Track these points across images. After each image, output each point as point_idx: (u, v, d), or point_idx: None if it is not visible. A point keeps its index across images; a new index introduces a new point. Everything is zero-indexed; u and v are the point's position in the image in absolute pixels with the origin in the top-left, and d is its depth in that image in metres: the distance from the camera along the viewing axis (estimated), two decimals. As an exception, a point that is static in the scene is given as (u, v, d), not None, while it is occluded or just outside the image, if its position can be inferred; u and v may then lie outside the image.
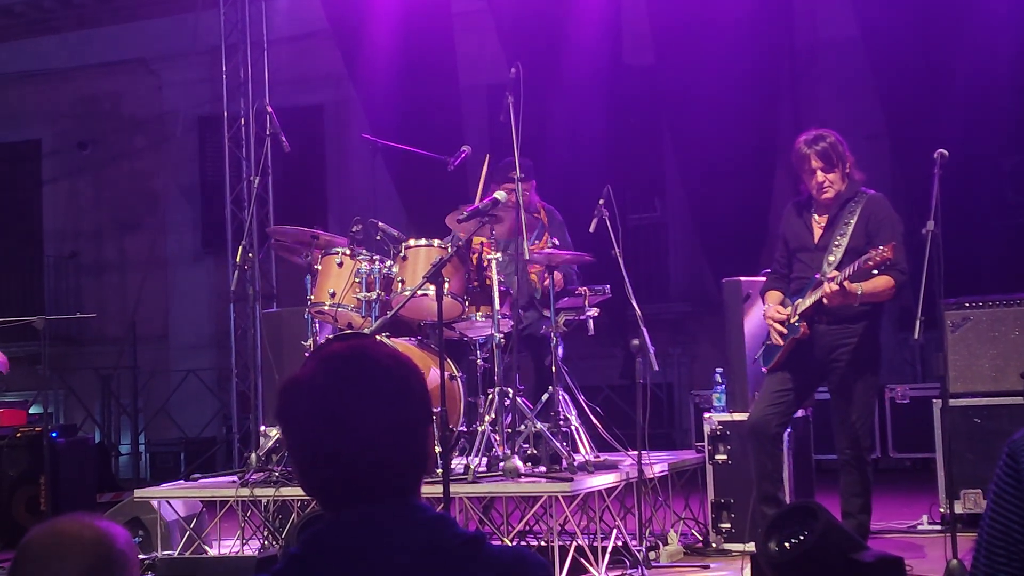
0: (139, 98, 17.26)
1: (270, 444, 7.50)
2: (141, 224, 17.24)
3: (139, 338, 15.83)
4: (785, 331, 6.44)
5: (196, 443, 14.84)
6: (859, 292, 6.14)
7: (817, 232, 6.47)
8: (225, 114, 12.90)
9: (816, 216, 6.51)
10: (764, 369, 6.67)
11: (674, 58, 12.85)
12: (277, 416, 2.10)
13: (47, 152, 17.93)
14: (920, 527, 7.75)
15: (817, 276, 6.27)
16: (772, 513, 5.59)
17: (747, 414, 7.28)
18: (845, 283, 6.06)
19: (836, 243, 6.27)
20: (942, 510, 7.68)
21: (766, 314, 6.59)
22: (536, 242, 7.35)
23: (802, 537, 4.15)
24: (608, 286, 7.53)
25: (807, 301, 6.34)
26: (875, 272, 6.07)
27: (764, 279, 7.61)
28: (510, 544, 6.34)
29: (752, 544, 7.07)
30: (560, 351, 7.28)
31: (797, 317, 6.40)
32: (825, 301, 6.18)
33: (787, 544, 4.22)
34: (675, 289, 15.09)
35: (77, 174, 17.69)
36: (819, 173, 6.36)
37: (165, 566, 6.24)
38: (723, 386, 7.68)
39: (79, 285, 17.36)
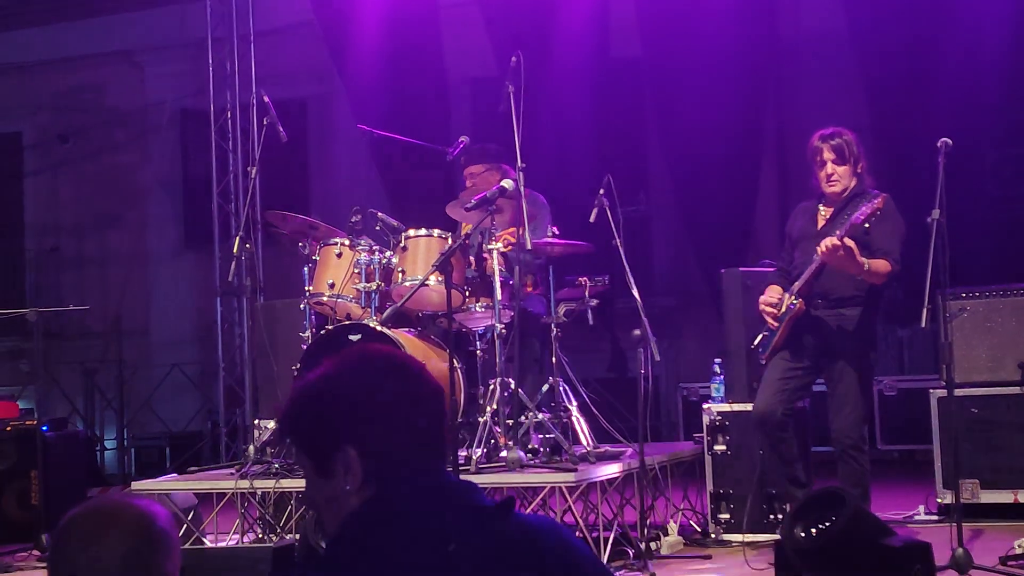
0: (121, 91, 17.13)
1: (266, 436, 7.47)
2: (123, 218, 17.12)
3: (122, 332, 15.73)
4: (777, 315, 6.46)
5: (181, 437, 14.74)
6: (866, 265, 6.16)
7: (821, 223, 6.54)
8: (212, 107, 12.82)
9: (823, 208, 6.57)
10: (762, 359, 6.67)
11: (660, 50, 12.85)
12: (386, 393, 2.25)
13: (28, 145, 17.78)
14: (917, 517, 7.77)
15: (824, 243, 6.23)
16: (801, 494, 5.61)
17: (747, 405, 7.34)
18: (847, 241, 6.05)
19: (835, 232, 6.29)
20: (939, 500, 7.71)
21: (760, 300, 6.63)
22: (504, 230, 7.32)
23: (829, 523, 4.14)
24: (607, 276, 7.51)
25: (802, 280, 6.37)
26: (867, 225, 6.12)
27: (761, 269, 7.66)
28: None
29: (751, 535, 7.15)
30: (539, 343, 7.28)
31: (793, 297, 6.41)
32: (828, 256, 6.14)
33: (814, 530, 4.21)
34: (659, 282, 15.08)
35: (58, 167, 17.55)
36: (829, 164, 6.46)
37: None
38: (722, 376, 7.69)
39: (60, 279, 17.23)
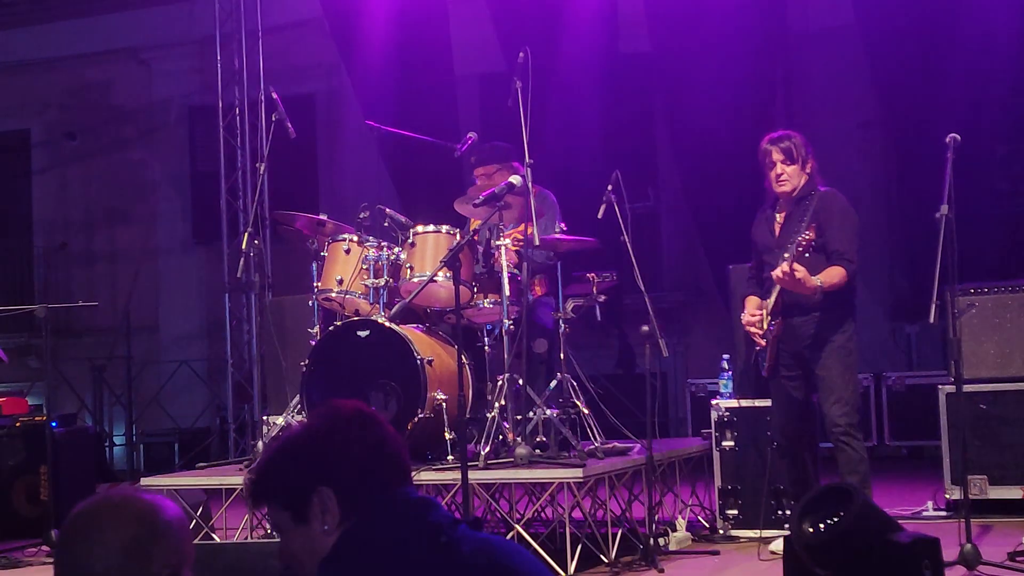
0: (129, 88, 17.16)
1: (275, 432, 7.46)
2: (131, 214, 17.16)
3: (130, 328, 15.76)
4: (761, 334, 6.55)
5: (189, 433, 14.77)
6: (819, 283, 6.22)
7: (777, 231, 6.61)
8: (220, 103, 12.85)
9: (777, 214, 6.66)
10: (763, 373, 6.73)
11: (669, 46, 12.85)
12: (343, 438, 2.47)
13: (36, 142, 17.83)
14: (925, 513, 7.76)
15: (775, 273, 6.33)
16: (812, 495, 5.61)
17: (755, 401, 7.37)
18: (796, 269, 6.12)
19: (791, 240, 6.35)
20: (947, 496, 7.71)
21: (742, 320, 6.71)
22: (513, 228, 7.32)
23: (837, 518, 4.14)
24: (615, 272, 7.50)
25: (771, 299, 6.47)
26: (809, 235, 6.15)
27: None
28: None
29: (761, 531, 7.15)
30: (546, 343, 7.28)
31: (769, 317, 6.51)
32: (777, 279, 6.24)
33: (822, 525, 4.21)
34: (668, 278, 15.09)
35: (67, 164, 17.59)
36: (778, 165, 6.54)
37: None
38: (730, 372, 7.69)
39: (69, 275, 17.27)
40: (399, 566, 2.36)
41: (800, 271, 6.15)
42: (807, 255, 6.19)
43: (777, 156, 6.55)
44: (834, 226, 6.38)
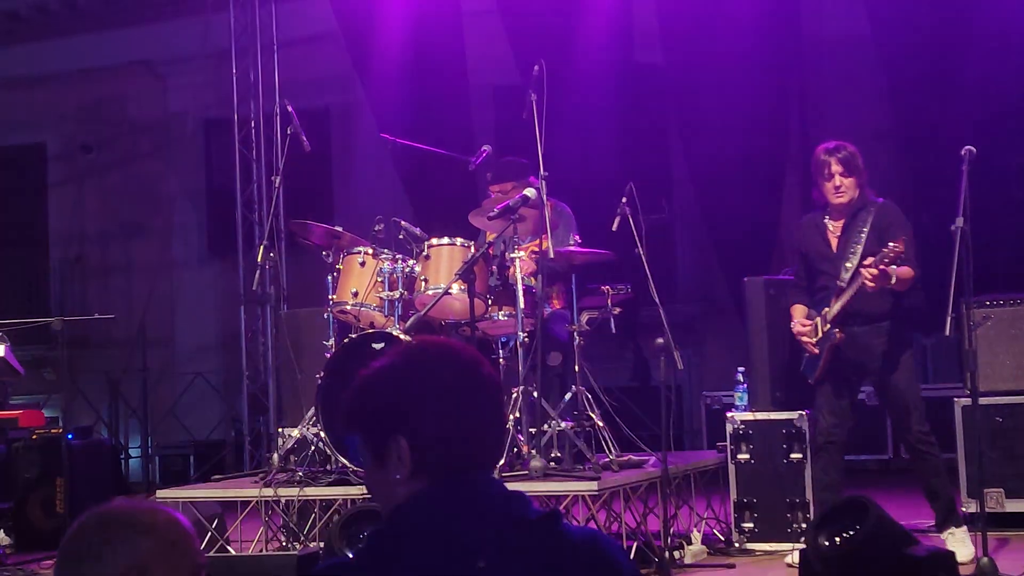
0: (145, 101, 17.21)
1: (290, 444, 7.48)
2: (147, 227, 17.19)
3: (146, 341, 15.79)
4: (814, 343, 6.65)
5: (205, 446, 14.78)
6: (893, 277, 6.38)
7: (833, 241, 6.76)
8: (235, 117, 12.88)
9: (830, 223, 6.78)
10: (810, 380, 6.79)
11: (683, 57, 12.84)
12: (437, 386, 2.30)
13: (52, 155, 17.87)
14: (942, 525, 7.71)
15: (838, 283, 6.54)
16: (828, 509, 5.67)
17: (771, 414, 7.36)
18: (882, 266, 6.28)
19: (852, 251, 6.56)
20: (964, 509, 7.67)
21: (793, 330, 6.82)
22: (529, 241, 7.33)
23: (853, 532, 4.13)
24: (629, 285, 7.51)
25: (834, 308, 6.60)
26: (889, 251, 6.31)
27: (784, 278, 7.67)
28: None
29: (775, 543, 7.14)
30: (560, 356, 7.28)
31: (828, 325, 6.61)
32: (870, 286, 6.36)
33: (837, 539, 4.20)
34: (683, 290, 15.06)
35: (82, 177, 17.63)
36: (837, 177, 6.68)
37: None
38: (745, 385, 7.68)
39: (85, 288, 17.31)
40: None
41: (887, 268, 6.30)
42: (893, 267, 6.33)
43: (836, 168, 6.68)
44: (899, 235, 6.47)
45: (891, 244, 6.28)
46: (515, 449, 6.77)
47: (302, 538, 7.22)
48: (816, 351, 6.70)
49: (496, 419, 2.37)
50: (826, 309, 6.65)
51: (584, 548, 2.24)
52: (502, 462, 6.65)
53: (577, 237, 7.40)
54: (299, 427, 7.38)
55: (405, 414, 2.29)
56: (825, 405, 6.83)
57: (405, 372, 2.33)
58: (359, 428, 2.36)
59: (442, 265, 7.04)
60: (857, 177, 6.70)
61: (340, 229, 7.52)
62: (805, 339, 6.73)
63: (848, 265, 6.51)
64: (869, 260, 6.41)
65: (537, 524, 2.23)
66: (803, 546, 5.43)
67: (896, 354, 6.62)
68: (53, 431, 9.30)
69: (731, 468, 7.46)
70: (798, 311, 6.87)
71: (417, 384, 2.30)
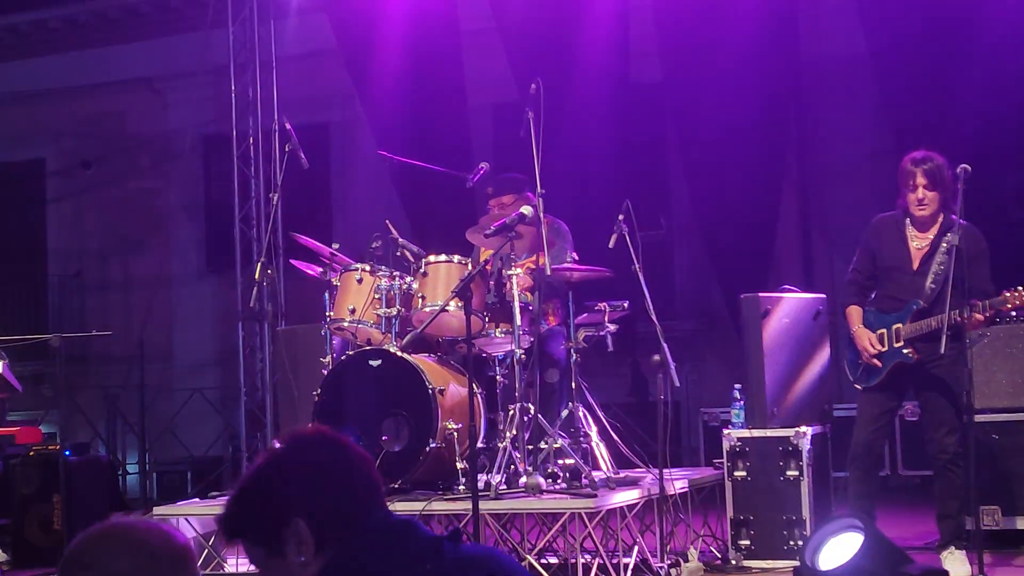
0: (143, 117, 17.25)
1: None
2: (145, 243, 17.22)
3: (144, 357, 15.80)
4: (880, 363, 6.69)
5: (202, 462, 14.78)
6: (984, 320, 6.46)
7: (915, 254, 6.70)
8: (234, 132, 12.91)
9: (912, 231, 6.73)
10: (859, 386, 6.80)
11: (681, 76, 12.87)
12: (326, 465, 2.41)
13: (51, 171, 17.91)
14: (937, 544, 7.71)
15: (921, 303, 6.53)
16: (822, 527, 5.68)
17: (767, 431, 7.35)
18: (990, 311, 6.36)
19: (937, 272, 6.54)
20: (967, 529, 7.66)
21: (861, 346, 6.78)
22: (526, 258, 7.35)
23: (848, 550, 4.14)
24: (627, 302, 7.52)
25: (911, 328, 6.61)
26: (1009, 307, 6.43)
27: (781, 295, 7.67)
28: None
29: (770, 561, 7.14)
30: (557, 373, 7.30)
31: (903, 343, 6.64)
32: (971, 329, 6.43)
33: (833, 557, 4.20)
34: (680, 307, 15.08)
35: (81, 193, 17.67)
36: (921, 189, 6.62)
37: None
38: (742, 402, 7.68)
39: (83, 304, 17.33)
40: None
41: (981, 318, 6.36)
42: (994, 321, 6.57)
43: (921, 180, 6.64)
44: (982, 264, 6.56)
45: (1017, 290, 6.30)
46: (512, 467, 6.78)
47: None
48: (879, 364, 6.69)
49: (366, 462, 2.45)
50: (899, 325, 6.63)
51: (488, 562, 2.38)
52: (499, 479, 6.66)
53: (574, 254, 7.41)
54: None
55: (296, 498, 2.34)
56: (869, 414, 6.84)
57: (282, 461, 2.41)
58: (246, 532, 2.41)
59: (439, 282, 7.05)
60: (942, 192, 6.61)
61: (337, 247, 7.52)
62: (874, 361, 6.72)
63: (932, 286, 6.46)
64: (982, 303, 6.35)
65: (447, 538, 2.37)
66: (797, 563, 5.45)
67: (953, 374, 6.59)
68: (51, 447, 9.31)
69: (728, 485, 7.46)
70: (855, 314, 6.84)
71: (297, 467, 2.38)
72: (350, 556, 2.33)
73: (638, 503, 6.90)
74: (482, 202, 8.11)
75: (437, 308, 6.83)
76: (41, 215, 17.93)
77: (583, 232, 8.14)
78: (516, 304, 6.88)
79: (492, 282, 7.15)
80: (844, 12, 12.94)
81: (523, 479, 6.56)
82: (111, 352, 15.81)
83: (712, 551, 7.71)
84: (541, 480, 6.53)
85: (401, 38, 12.97)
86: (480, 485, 6.47)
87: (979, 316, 6.35)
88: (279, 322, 11.83)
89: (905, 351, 6.65)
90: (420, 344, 7.27)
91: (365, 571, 2.32)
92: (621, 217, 7.29)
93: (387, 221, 7.60)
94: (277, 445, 2.51)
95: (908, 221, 6.74)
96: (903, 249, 6.70)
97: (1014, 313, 6.43)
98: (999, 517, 7.50)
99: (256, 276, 7.89)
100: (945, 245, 6.53)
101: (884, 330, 6.69)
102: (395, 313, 7.19)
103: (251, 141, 12.88)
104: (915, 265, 6.69)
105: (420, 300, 7.08)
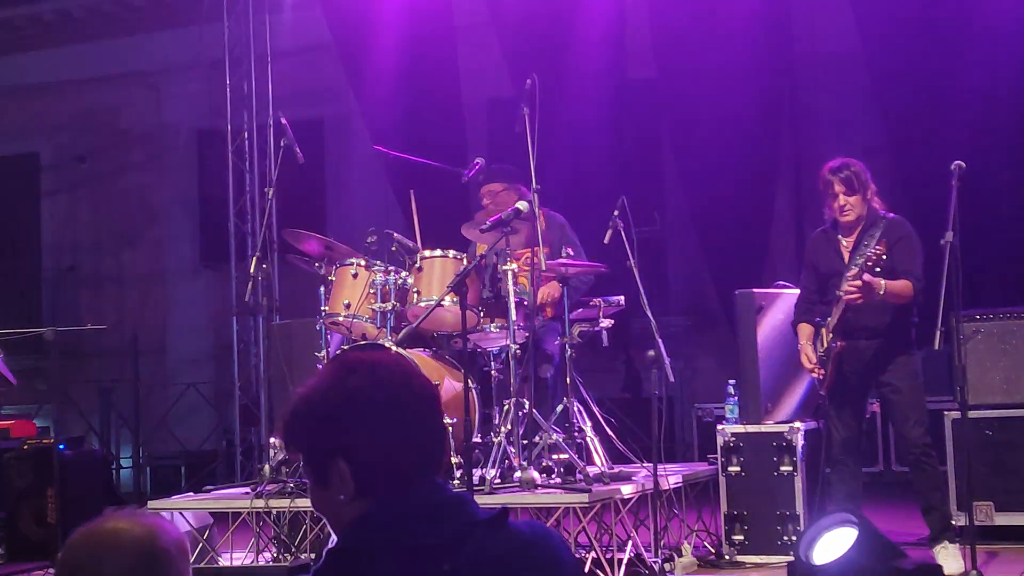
0: (138, 111, 17.24)
1: (281, 455, 7.48)
2: (140, 237, 17.21)
3: (138, 351, 15.80)
4: (823, 373, 6.74)
5: (196, 456, 14.78)
6: (882, 286, 6.42)
7: (846, 256, 6.80)
8: (229, 127, 12.91)
9: (843, 239, 6.87)
10: (821, 391, 6.83)
11: (676, 72, 12.89)
12: (369, 405, 2.29)
13: (46, 165, 17.89)
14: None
15: (838, 293, 6.59)
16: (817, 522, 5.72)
17: (761, 426, 7.38)
18: (865, 276, 6.35)
19: (856, 263, 6.59)
20: (954, 522, 7.68)
21: (802, 361, 6.88)
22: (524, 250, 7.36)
23: (842, 545, 4.15)
24: (622, 297, 7.54)
25: (834, 318, 6.65)
26: (883, 256, 6.41)
27: (775, 291, 7.70)
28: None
29: (764, 556, 7.16)
30: (551, 368, 7.31)
31: (831, 334, 6.68)
32: (857, 299, 6.46)
33: (827, 552, 4.22)
34: (675, 303, 15.10)
35: (76, 187, 17.65)
36: (841, 196, 6.74)
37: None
38: (735, 398, 7.70)
39: (77, 298, 17.31)
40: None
41: (869, 278, 6.36)
42: (877, 270, 6.39)
43: (840, 188, 6.75)
44: (902, 248, 6.61)
45: (871, 251, 6.36)
46: (506, 461, 6.79)
47: (293, 550, 7.22)
48: (822, 374, 6.73)
49: (433, 425, 2.36)
50: (829, 319, 6.71)
51: (533, 543, 2.29)
52: (493, 474, 6.67)
53: (569, 249, 7.42)
54: (279, 431, 7.37)
55: (341, 438, 2.28)
56: (837, 417, 6.88)
57: (335, 396, 2.30)
58: (299, 450, 2.35)
59: (434, 277, 7.06)
60: (863, 194, 6.74)
61: (333, 240, 7.52)
62: (810, 366, 6.79)
63: (849, 276, 6.57)
64: (852, 271, 6.48)
65: (489, 524, 2.26)
66: (791, 558, 5.47)
67: (896, 366, 6.67)
68: (44, 441, 9.28)
69: (722, 480, 7.47)
70: (804, 332, 6.91)
71: (349, 407, 2.28)
72: (385, 520, 2.25)
73: (632, 498, 6.91)
74: (477, 197, 8.11)
75: (432, 303, 6.84)
76: (35, 209, 17.91)
77: (578, 227, 8.15)
78: (511, 299, 6.89)
79: (487, 277, 7.16)
80: (838, 9, 12.95)
81: (518, 474, 6.56)
82: (105, 346, 15.80)
83: (706, 546, 7.73)
84: (536, 475, 6.54)
85: (396, 33, 12.98)
86: (475, 480, 6.49)
87: (851, 286, 6.42)
88: (274, 317, 11.83)
89: (834, 343, 6.68)
90: (415, 339, 7.28)
91: (392, 541, 2.23)
92: (616, 213, 7.31)
93: (393, 233, 7.61)
94: (353, 361, 2.35)
95: (839, 233, 6.87)
96: (837, 259, 6.84)
97: (877, 268, 6.40)
98: (992, 512, 7.52)
99: (251, 270, 7.88)
100: (868, 240, 6.64)
101: (823, 329, 6.76)
102: (390, 308, 7.19)
103: (246, 136, 12.88)
104: (846, 263, 6.79)
105: (415, 295, 7.08)
